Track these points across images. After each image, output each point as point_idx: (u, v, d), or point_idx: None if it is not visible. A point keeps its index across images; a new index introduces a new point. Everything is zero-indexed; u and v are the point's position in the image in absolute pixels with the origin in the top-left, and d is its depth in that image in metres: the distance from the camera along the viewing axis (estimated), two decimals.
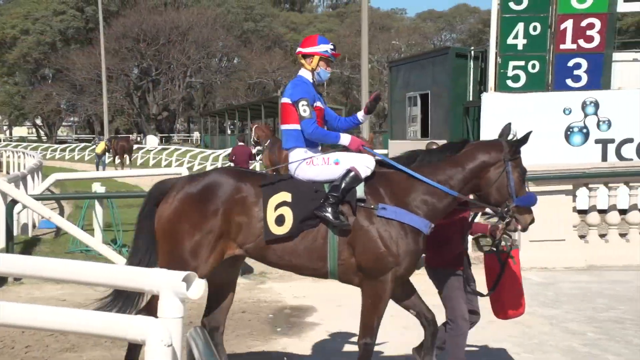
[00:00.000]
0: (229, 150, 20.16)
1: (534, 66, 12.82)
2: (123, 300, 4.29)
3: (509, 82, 12.86)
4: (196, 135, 64.00)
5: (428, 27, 68.92)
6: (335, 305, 6.51)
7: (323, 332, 5.86)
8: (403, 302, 4.51)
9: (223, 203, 4.22)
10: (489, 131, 11.59)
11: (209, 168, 21.48)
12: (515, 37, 12.76)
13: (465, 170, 4.28)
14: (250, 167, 12.86)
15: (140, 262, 4.30)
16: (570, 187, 8.76)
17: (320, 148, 4.58)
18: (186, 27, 56.43)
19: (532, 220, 4.36)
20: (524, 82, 12.85)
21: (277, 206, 4.23)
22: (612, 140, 12.50)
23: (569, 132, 12.59)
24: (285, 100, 4.50)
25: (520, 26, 12.72)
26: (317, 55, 4.53)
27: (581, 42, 12.74)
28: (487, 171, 4.28)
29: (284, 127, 4.57)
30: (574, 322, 5.98)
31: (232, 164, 12.83)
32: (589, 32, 12.73)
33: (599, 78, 12.81)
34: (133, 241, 4.50)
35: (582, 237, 8.96)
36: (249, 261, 6.40)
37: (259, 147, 14.69)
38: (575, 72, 12.83)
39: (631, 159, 12.08)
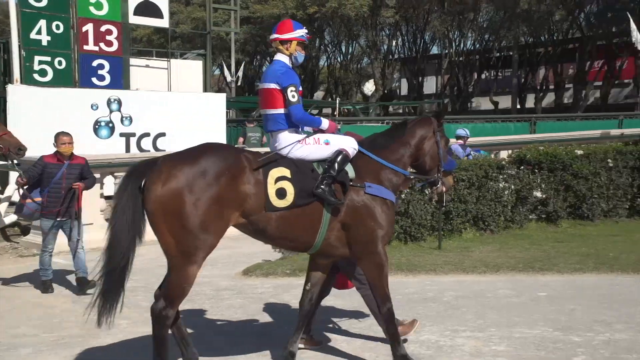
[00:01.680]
0: None
1: (60, 63, 12.56)
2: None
3: (36, 76, 12.29)
4: None
5: None
6: None
7: None
8: (312, 272, 4.55)
9: (229, 171, 3.93)
10: (16, 122, 10.99)
11: None
12: (39, 32, 12.24)
13: (412, 147, 4.57)
14: None
15: (123, 240, 3.86)
16: (98, 175, 9.00)
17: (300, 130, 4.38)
18: None
19: (454, 182, 4.76)
20: (52, 77, 12.46)
21: (277, 179, 4.08)
22: (133, 134, 13.25)
23: (96, 126, 12.81)
24: (271, 86, 4.29)
25: (42, 23, 12.25)
26: (295, 40, 4.38)
27: (102, 45, 13.10)
28: (424, 143, 4.61)
29: (269, 111, 4.34)
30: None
31: None
32: (108, 37, 13.17)
33: (120, 79, 13.40)
34: (114, 221, 3.90)
35: (107, 220, 9.26)
36: None
37: None
38: (100, 72, 13.11)
39: (149, 151, 13.09)
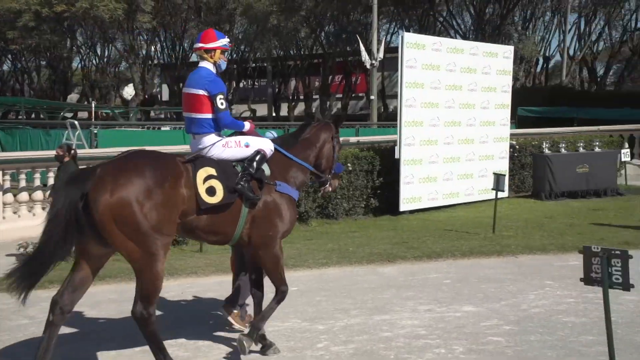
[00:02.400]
0: None
1: None
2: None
3: None
4: None
5: None
6: None
7: None
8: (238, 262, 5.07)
9: (171, 176, 4.06)
10: None
11: None
12: None
13: (316, 147, 4.87)
14: None
15: (56, 248, 3.81)
16: None
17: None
18: None
19: (339, 185, 5.37)
20: None
21: (206, 179, 4.23)
22: None
23: None
24: (199, 92, 4.46)
25: None
26: (219, 49, 4.57)
27: None
28: (324, 146, 4.92)
29: (195, 115, 4.50)
30: None
31: None
32: None
33: None
34: (47, 233, 3.81)
35: None
36: None
37: None
38: None
39: None
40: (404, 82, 11.54)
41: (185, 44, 39.70)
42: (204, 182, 4.22)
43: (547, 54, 42.15)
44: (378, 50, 24.40)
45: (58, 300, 3.98)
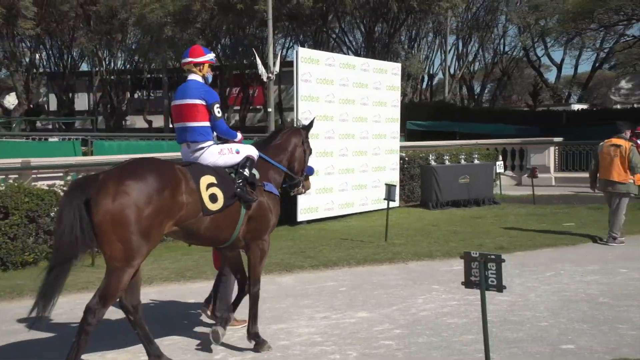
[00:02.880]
0: None
1: None
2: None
3: None
4: None
5: None
6: None
7: None
8: (227, 264, 5.22)
9: (169, 184, 4.22)
10: None
11: None
12: None
13: (288, 152, 5.22)
14: None
15: (72, 251, 4.01)
16: None
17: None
18: None
19: (310, 186, 5.64)
20: None
21: (208, 186, 4.46)
22: None
23: None
24: (196, 101, 4.71)
25: None
26: (207, 62, 4.88)
27: None
28: (295, 150, 5.27)
29: (191, 124, 4.72)
30: None
31: None
32: None
33: None
34: (61, 230, 4.00)
35: None
36: None
37: None
38: None
39: None
40: (300, 96, 11.73)
41: (75, 53, 37.84)
42: (207, 189, 4.46)
43: (431, 72, 44.48)
44: (274, 64, 24.57)
45: (124, 303, 4.40)
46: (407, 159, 15.03)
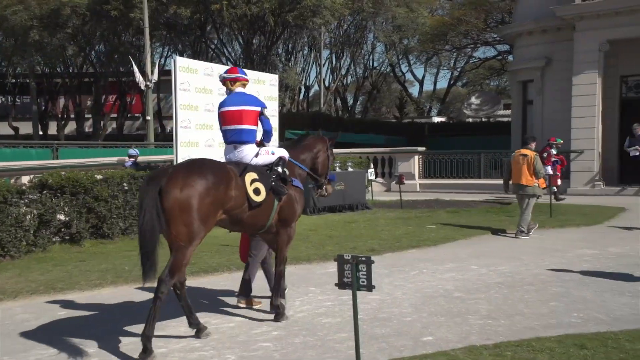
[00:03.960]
0: None
1: None
2: None
3: None
4: None
5: None
6: None
7: None
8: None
9: (225, 182, 5.04)
10: None
11: None
12: None
13: (312, 153, 6.12)
14: None
15: (155, 231, 4.74)
16: None
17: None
18: None
19: (333, 190, 6.49)
20: None
21: (252, 182, 5.25)
22: None
23: None
24: (250, 108, 5.60)
25: None
26: (246, 81, 5.87)
27: None
28: (319, 154, 6.14)
29: (242, 127, 5.55)
30: None
31: None
32: None
33: None
34: (143, 216, 4.74)
35: None
36: None
37: None
38: None
39: None
40: (179, 104, 11.42)
41: None
42: (251, 184, 5.24)
43: (307, 84, 45.29)
44: (152, 72, 23.75)
45: (152, 271, 4.86)
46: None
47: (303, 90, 44.74)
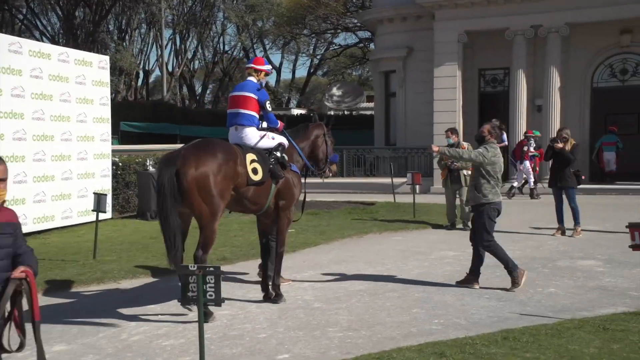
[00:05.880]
0: None
1: None
2: None
3: None
4: None
5: None
6: None
7: None
8: (261, 229, 7.33)
9: (233, 158, 6.26)
10: None
11: None
12: None
13: (310, 140, 7.46)
14: None
15: (173, 212, 5.97)
16: None
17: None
18: None
19: (336, 170, 8.16)
20: None
21: (251, 162, 6.46)
22: None
23: None
24: (251, 94, 6.86)
25: None
26: (264, 71, 7.11)
27: None
28: (317, 140, 7.52)
29: (244, 111, 6.82)
30: None
31: None
32: None
33: None
34: (162, 197, 5.92)
35: None
36: None
37: None
38: None
39: None
40: None
41: None
42: (250, 164, 6.39)
43: (147, 68, 43.79)
44: None
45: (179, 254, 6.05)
46: (120, 164, 14.53)
47: (142, 75, 43.21)
